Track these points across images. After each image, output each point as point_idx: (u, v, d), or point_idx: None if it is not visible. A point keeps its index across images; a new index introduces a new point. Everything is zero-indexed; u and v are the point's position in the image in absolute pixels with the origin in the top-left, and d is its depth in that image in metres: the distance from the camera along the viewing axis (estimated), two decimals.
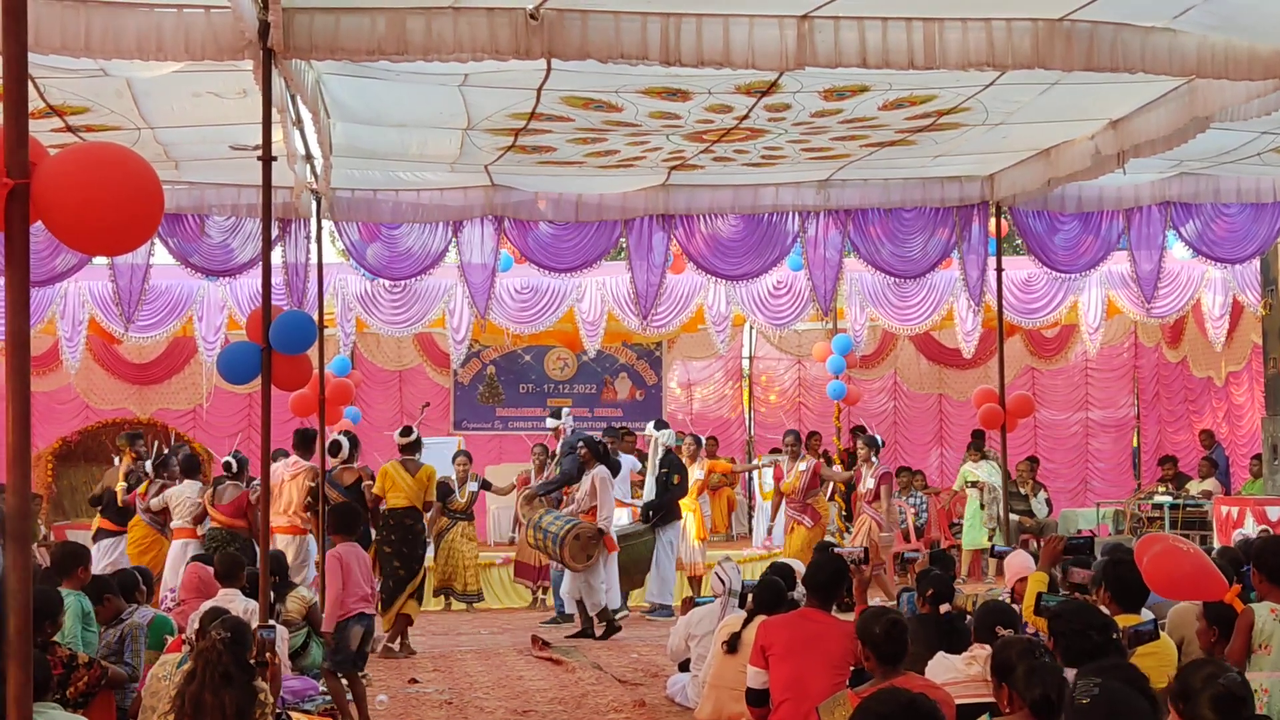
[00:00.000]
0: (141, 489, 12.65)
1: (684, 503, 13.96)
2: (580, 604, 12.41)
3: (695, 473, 14.41)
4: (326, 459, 11.48)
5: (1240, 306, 16.37)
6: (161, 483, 12.47)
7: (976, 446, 16.04)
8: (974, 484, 15.64)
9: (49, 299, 14.76)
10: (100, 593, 7.71)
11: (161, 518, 12.38)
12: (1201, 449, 17.45)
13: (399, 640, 11.43)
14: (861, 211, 13.01)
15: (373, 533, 11.54)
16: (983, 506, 15.43)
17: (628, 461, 14.49)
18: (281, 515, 11.79)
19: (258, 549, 11.78)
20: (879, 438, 14.80)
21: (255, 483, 11.80)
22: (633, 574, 13.39)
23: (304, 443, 12.20)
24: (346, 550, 8.50)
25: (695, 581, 14.32)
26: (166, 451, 13.37)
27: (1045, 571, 6.93)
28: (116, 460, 13.42)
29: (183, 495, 12.11)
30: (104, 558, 12.38)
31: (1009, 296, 14.21)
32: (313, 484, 11.64)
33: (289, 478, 11.92)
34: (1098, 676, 3.71)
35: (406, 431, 11.89)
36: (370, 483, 11.66)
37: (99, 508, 13.23)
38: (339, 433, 12.38)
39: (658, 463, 13.81)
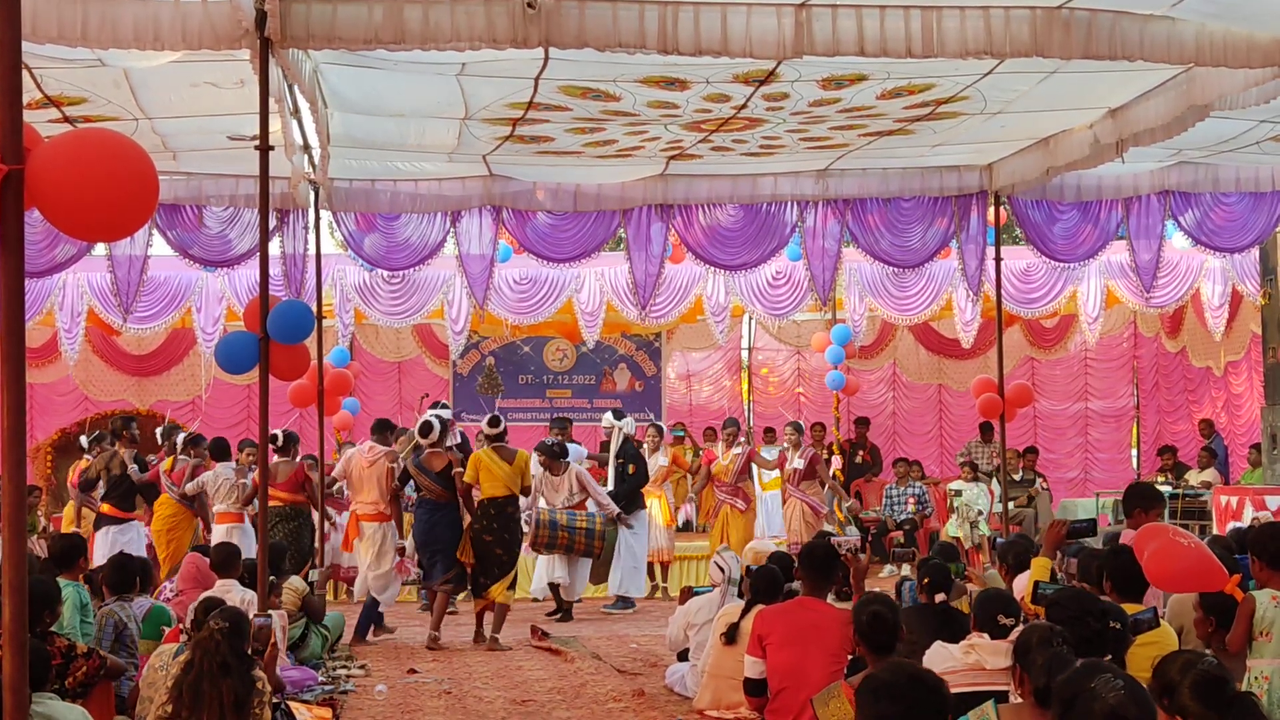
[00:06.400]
0: (167, 465, 12.70)
1: (648, 490, 14.00)
2: (555, 588, 12.73)
3: (659, 460, 14.40)
4: (417, 440, 11.53)
5: (1239, 296, 16.36)
6: (193, 463, 12.49)
7: (971, 465, 16.11)
8: (958, 493, 15.81)
9: (47, 290, 14.71)
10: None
11: (193, 499, 12.46)
12: (1201, 439, 17.46)
13: (494, 631, 11.33)
14: (860, 201, 13.01)
15: (464, 520, 11.46)
16: (972, 525, 15.51)
17: (575, 451, 14.29)
18: (368, 504, 11.68)
19: (314, 523, 12.06)
20: (802, 423, 15.00)
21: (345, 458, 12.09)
22: (597, 568, 13.26)
23: (382, 428, 12.16)
24: None
25: (664, 569, 14.48)
26: (192, 431, 13.54)
27: (1048, 557, 6.92)
28: (85, 442, 13.49)
29: (220, 479, 12.15)
30: (111, 548, 12.20)
31: (1008, 286, 14.20)
32: (393, 466, 11.62)
33: (366, 465, 11.73)
34: (1105, 672, 3.67)
35: (495, 422, 11.60)
36: (460, 470, 11.37)
37: (90, 492, 13.14)
38: (430, 413, 12.02)
39: (616, 452, 13.70)
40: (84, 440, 13.85)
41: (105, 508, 12.88)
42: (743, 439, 14.38)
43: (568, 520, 12.34)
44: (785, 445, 14.55)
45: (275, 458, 12.20)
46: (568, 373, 18.99)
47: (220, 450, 12.53)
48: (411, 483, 11.67)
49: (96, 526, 12.79)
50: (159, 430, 13.72)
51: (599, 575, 13.44)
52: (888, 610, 5.61)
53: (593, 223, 13.05)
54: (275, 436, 12.29)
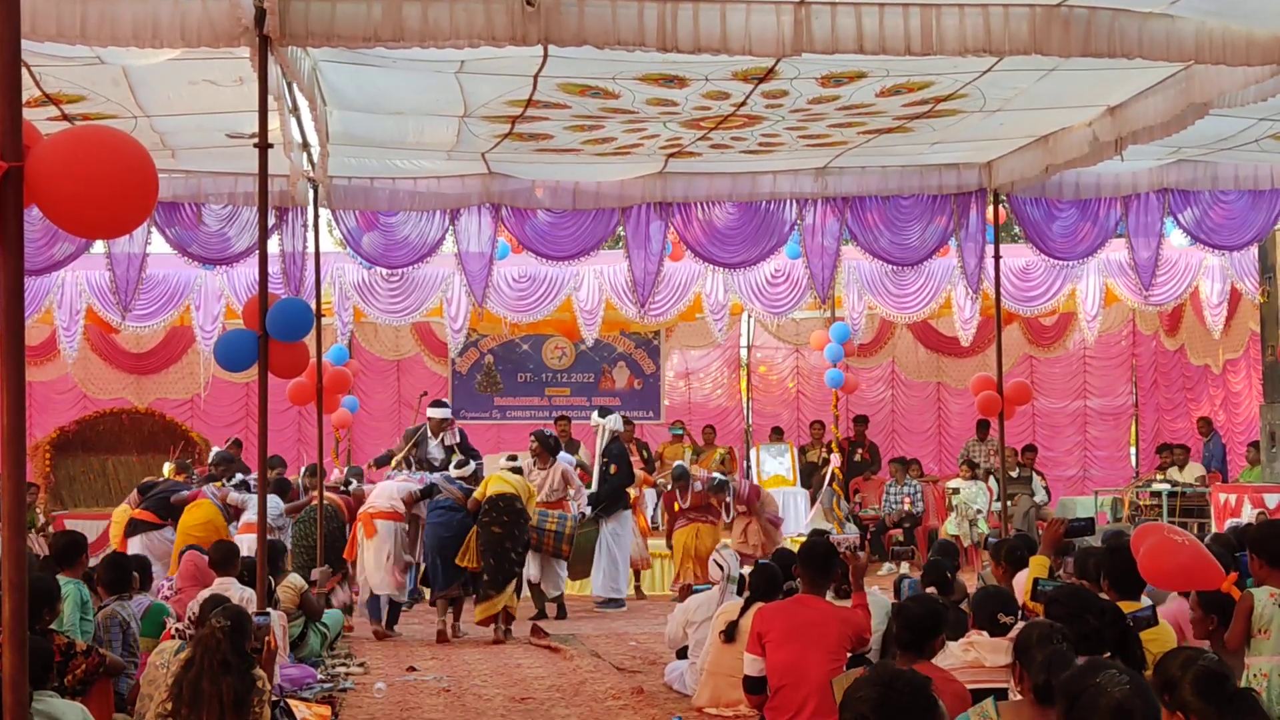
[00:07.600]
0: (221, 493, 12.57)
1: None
2: (535, 587, 12.47)
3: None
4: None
5: (1238, 294, 16.36)
6: (243, 498, 12.26)
7: (969, 464, 16.11)
8: (956, 491, 15.79)
9: (46, 288, 14.70)
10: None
11: (231, 510, 12.18)
12: (1199, 436, 17.47)
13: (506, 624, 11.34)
14: (859, 199, 13.01)
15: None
16: (971, 523, 15.51)
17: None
18: (385, 502, 11.71)
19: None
20: (718, 476, 13.69)
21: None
22: (575, 566, 13.06)
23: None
24: None
25: (637, 574, 14.24)
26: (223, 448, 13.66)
27: (1046, 556, 6.92)
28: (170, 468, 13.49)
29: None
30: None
31: (1007, 284, 14.20)
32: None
33: (395, 482, 12.11)
34: (1110, 668, 3.66)
35: (512, 458, 12.03)
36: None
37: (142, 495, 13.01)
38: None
39: (600, 451, 13.56)
40: (168, 465, 13.74)
41: (138, 512, 12.67)
42: (698, 484, 13.33)
43: (538, 520, 12.28)
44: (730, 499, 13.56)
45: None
46: (566, 371, 19.01)
47: (281, 487, 12.54)
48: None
49: (129, 532, 12.55)
50: (215, 451, 13.63)
51: (578, 573, 13.35)
52: (918, 606, 5.64)
53: (592, 221, 13.05)
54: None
